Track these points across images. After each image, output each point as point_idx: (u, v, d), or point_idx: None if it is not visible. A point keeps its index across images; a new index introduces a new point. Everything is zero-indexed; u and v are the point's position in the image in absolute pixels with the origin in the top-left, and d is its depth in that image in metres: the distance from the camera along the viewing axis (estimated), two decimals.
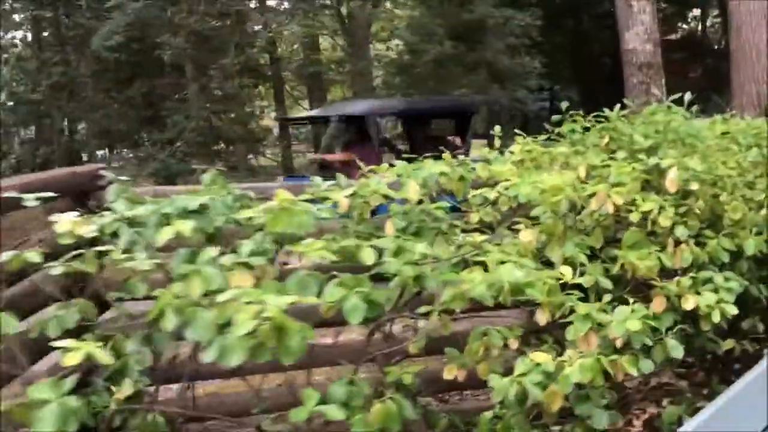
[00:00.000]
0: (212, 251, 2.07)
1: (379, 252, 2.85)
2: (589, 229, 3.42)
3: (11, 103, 21.66)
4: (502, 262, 2.51)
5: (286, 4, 22.84)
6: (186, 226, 2.11)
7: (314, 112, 9.27)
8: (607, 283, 3.06)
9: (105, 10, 16.62)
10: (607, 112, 4.36)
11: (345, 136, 9.89)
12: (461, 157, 3.72)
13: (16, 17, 22.19)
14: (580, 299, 3.01)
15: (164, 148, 15.73)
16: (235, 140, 17.86)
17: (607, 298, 2.98)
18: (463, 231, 3.48)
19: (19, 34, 23.18)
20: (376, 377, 3.27)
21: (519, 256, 3.18)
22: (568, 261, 3.04)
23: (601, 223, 3.40)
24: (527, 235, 3.00)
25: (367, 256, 2.20)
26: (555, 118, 4.48)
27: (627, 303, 3.04)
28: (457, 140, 10.22)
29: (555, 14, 22.07)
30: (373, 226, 3.31)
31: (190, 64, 16.18)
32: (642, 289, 3.22)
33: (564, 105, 4.45)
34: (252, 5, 20.08)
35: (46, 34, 21.32)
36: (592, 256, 3.34)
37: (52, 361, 3.04)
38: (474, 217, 3.55)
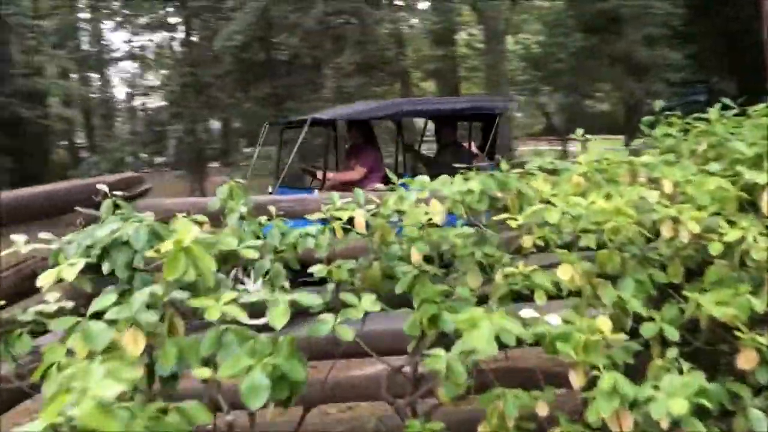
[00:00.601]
0: (111, 298, 1.65)
1: None
2: (666, 259, 2.76)
3: (165, 103, 22.60)
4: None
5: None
6: (71, 271, 1.71)
7: (314, 115, 8.32)
8: (674, 333, 2.40)
9: (229, 10, 16.87)
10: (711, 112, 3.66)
11: (348, 141, 9.06)
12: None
13: (145, 20, 23.17)
14: (638, 353, 2.40)
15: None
16: None
17: (673, 352, 2.35)
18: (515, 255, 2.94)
19: (150, 36, 24.25)
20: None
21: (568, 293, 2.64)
22: (622, 304, 2.43)
23: (680, 253, 2.74)
24: (566, 272, 2.39)
25: (277, 318, 1.67)
26: (645, 119, 3.81)
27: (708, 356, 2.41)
28: (474, 147, 9.09)
29: (702, 1, 20.31)
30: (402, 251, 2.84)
31: (310, 64, 16.11)
32: (726, 338, 2.54)
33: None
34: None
35: (176, 35, 22.18)
36: (667, 294, 2.70)
37: None
38: (527, 242, 2.93)
